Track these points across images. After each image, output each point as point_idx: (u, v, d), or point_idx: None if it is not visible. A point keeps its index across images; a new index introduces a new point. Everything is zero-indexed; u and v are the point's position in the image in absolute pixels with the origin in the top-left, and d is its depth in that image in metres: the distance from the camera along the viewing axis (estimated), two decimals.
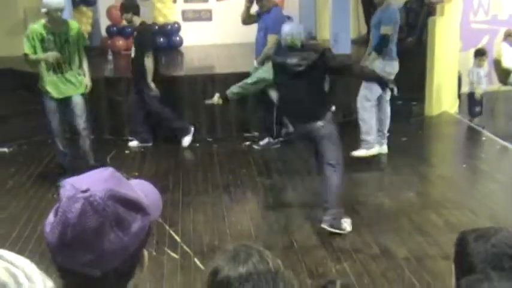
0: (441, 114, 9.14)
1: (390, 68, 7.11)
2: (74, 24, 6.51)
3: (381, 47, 7.06)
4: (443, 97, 9.21)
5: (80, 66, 6.51)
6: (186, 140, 8.07)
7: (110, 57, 10.49)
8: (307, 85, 5.19)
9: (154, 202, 1.39)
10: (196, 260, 4.85)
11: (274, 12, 7.52)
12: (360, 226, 5.42)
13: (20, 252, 4.09)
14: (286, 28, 5.46)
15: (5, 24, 10.04)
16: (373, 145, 7.19)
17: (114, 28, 11.37)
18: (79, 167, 5.92)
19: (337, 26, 9.46)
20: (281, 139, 7.88)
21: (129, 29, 11.33)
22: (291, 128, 6.78)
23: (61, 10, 6.20)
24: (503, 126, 9.96)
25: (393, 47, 7.18)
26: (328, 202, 5.26)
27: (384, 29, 7.01)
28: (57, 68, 6.33)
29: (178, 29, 11.69)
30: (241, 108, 8.33)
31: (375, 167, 7.19)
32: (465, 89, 10.13)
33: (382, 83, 6.01)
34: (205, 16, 12.20)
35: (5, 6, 10.11)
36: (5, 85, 8.63)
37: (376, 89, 6.76)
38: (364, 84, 7.05)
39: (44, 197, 6.24)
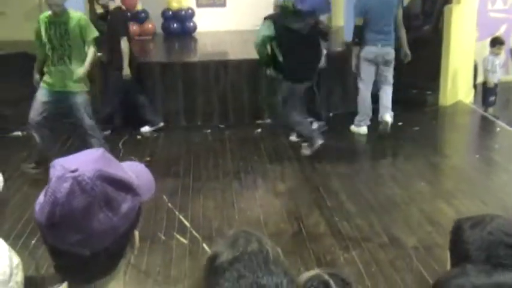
0: (456, 104, 9.06)
1: (364, 53, 7.51)
2: (74, 15, 6.17)
3: (354, 37, 7.56)
4: (458, 86, 9.12)
5: (82, 62, 6.22)
6: (146, 129, 8.03)
7: None
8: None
9: (146, 183, 1.39)
10: (204, 245, 4.85)
11: None
12: (370, 215, 5.40)
13: (31, 234, 4.09)
14: None
15: (20, 9, 10.05)
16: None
17: (128, 13, 11.37)
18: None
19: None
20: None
21: (143, 14, 11.38)
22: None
23: (59, 5, 6.05)
24: None
25: (370, 35, 7.44)
26: None
27: (355, 20, 7.51)
28: (57, 60, 6.18)
29: (192, 14, 11.68)
30: (254, 95, 8.33)
31: (387, 155, 7.17)
32: (481, 78, 10.04)
33: None
34: (219, 2, 12.18)
35: None
36: (19, 69, 8.64)
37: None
38: None
39: None
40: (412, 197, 5.81)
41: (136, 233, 1.37)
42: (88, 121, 6.39)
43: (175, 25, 11.54)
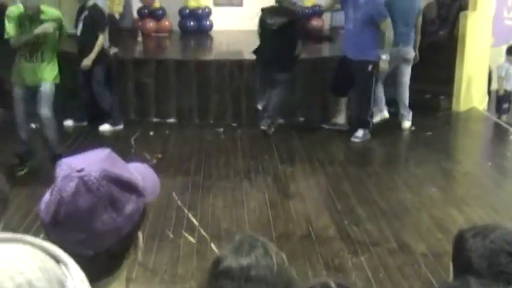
0: (469, 110, 9.01)
1: None
2: (49, 12, 6.16)
3: None
4: (472, 93, 9.08)
5: (53, 59, 6.28)
6: (106, 127, 7.94)
7: (140, 38, 10.52)
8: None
9: (151, 185, 1.39)
10: (212, 244, 4.85)
11: None
12: (380, 220, 5.37)
13: (38, 230, 4.08)
14: None
15: None
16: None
17: (146, 10, 11.42)
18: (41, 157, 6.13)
19: None
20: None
21: (160, 11, 11.42)
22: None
23: (35, 7, 6.00)
24: None
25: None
26: None
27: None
28: (29, 56, 6.14)
29: (209, 13, 11.70)
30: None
31: (399, 159, 7.15)
32: (495, 85, 9.97)
33: None
34: (236, 2, 12.18)
35: None
36: None
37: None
38: None
39: None
40: (423, 202, 5.79)
41: (140, 235, 1.37)
42: (46, 111, 6.28)
43: (191, 23, 11.56)
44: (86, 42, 7.63)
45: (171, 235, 4.99)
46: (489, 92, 10.01)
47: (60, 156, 1.37)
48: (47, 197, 1.26)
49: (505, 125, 8.73)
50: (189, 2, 11.46)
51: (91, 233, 1.23)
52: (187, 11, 11.53)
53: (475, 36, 8.84)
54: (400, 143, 7.51)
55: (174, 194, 5.73)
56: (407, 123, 7.89)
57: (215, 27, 11.74)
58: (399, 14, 7.45)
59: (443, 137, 8.05)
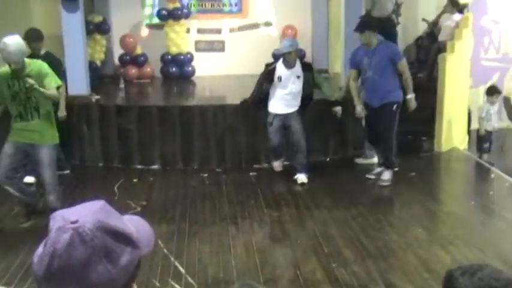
0: (451, 150, 9.12)
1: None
2: (34, 65, 5.91)
3: None
4: (453, 133, 9.21)
5: (50, 115, 6.03)
6: (31, 179, 7.26)
7: (122, 85, 10.56)
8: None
9: (146, 237, 1.39)
10: None
11: (384, 42, 7.50)
12: (367, 261, 5.37)
13: (22, 281, 3.98)
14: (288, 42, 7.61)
15: None
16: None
17: (127, 57, 11.51)
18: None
19: None
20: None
21: (142, 58, 11.51)
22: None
23: (19, 62, 5.72)
24: None
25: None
26: None
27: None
28: (24, 114, 5.90)
29: (191, 59, 11.81)
30: (252, 139, 8.37)
31: (383, 201, 7.18)
32: (475, 125, 10.13)
33: None
34: (218, 47, 12.32)
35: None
36: None
37: None
38: None
39: None
40: (408, 243, 5.80)
41: (135, 287, 1.37)
42: (49, 178, 6.07)
43: (174, 69, 11.65)
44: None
45: (158, 284, 4.93)
46: (469, 132, 10.14)
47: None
48: (40, 249, 1.25)
49: (486, 165, 8.84)
50: (170, 48, 11.58)
51: (85, 285, 1.22)
52: (169, 56, 11.64)
53: (454, 78, 9.00)
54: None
55: (159, 241, 5.68)
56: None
57: (197, 73, 11.84)
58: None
59: (427, 178, 8.11)
